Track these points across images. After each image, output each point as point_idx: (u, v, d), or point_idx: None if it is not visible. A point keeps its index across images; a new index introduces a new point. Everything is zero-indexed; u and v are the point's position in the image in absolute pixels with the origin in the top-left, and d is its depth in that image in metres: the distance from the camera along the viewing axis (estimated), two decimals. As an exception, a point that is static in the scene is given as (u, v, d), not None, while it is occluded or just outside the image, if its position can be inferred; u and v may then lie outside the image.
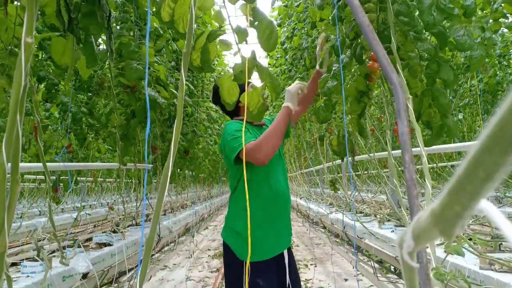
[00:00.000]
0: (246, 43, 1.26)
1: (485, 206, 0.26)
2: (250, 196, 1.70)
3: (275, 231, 1.77)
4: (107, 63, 2.53)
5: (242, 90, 1.39)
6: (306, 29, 3.18)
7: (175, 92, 3.14)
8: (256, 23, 1.21)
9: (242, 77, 1.23)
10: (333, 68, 1.77)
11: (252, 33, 1.27)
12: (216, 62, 6.09)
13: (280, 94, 1.24)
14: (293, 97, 1.64)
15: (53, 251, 3.00)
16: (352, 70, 1.83)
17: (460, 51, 1.49)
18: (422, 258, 0.83)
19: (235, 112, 1.85)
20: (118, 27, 2.67)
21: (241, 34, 1.23)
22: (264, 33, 1.21)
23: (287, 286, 1.78)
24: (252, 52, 1.23)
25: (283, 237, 1.82)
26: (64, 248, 2.72)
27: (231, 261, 1.75)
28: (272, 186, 1.78)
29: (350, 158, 2.25)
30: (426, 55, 1.47)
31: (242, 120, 1.36)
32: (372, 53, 1.53)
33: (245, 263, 1.66)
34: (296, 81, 1.74)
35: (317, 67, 1.90)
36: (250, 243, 1.67)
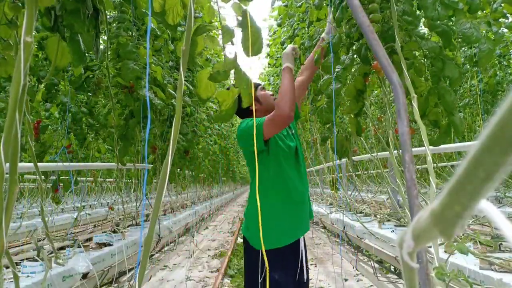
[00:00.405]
0: (232, 44, 1.24)
1: (485, 206, 0.26)
2: (263, 189, 1.81)
3: (288, 221, 1.83)
4: (104, 63, 2.53)
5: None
6: (307, 29, 3.20)
7: (173, 92, 3.14)
8: (242, 26, 1.19)
9: (219, 77, 1.22)
10: (336, 70, 1.79)
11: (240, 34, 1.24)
12: (216, 62, 6.08)
13: (250, 102, 1.23)
14: (289, 56, 1.90)
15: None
16: (353, 70, 1.84)
17: (467, 44, 1.47)
18: (422, 258, 0.82)
19: (246, 114, 1.95)
20: (117, 27, 2.66)
21: (227, 34, 1.22)
22: (253, 36, 1.20)
23: (304, 278, 1.83)
24: (235, 54, 1.22)
25: (298, 226, 1.88)
26: (63, 248, 2.72)
27: (249, 252, 1.84)
28: (285, 180, 1.84)
29: (347, 158, 2.25)
30: (429, 53, 1.45)
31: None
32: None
33: (260, 251, 1.71)
34: (289, 45, 1.96)
35: (323, 35, 2.04)
36: (265, 232, 1.71)
